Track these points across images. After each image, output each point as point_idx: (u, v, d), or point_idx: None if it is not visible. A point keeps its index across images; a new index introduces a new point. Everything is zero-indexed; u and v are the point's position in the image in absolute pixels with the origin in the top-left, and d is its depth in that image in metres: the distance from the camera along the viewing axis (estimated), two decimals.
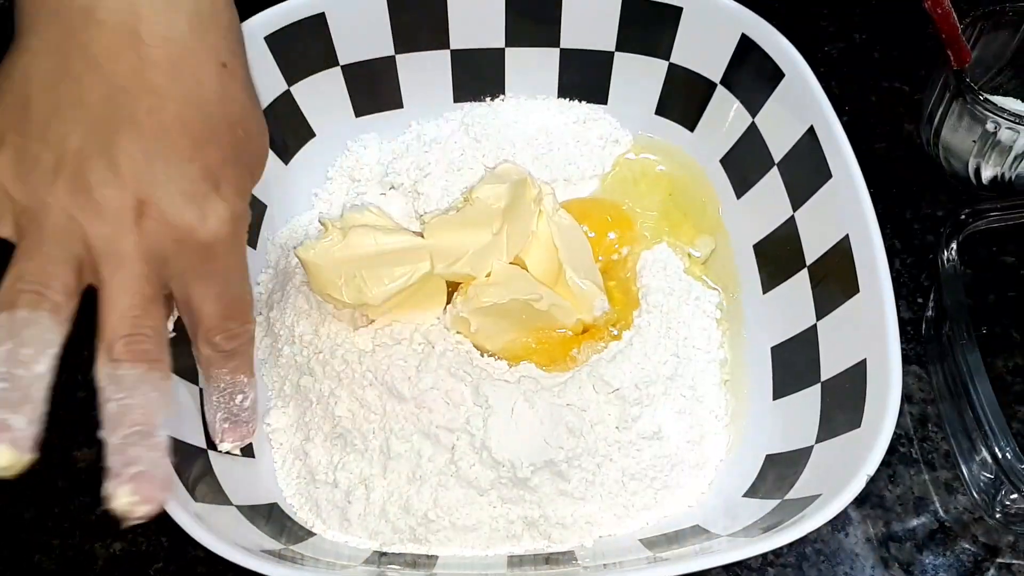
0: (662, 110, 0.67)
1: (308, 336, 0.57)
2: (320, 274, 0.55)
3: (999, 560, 0.55)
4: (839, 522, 0.56)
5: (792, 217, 0.58)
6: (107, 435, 0.43)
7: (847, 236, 0.53)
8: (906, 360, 0.61)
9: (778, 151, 0.59)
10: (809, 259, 0.56)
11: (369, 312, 0.56)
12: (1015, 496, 0.53)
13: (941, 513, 0.57)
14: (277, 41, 0.60)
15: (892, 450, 0.58)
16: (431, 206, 0.63)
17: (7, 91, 0.44)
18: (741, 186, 0.63)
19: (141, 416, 0.43)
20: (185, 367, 0.53)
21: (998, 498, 0.54)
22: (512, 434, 0.52)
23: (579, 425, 0.52)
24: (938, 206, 0.68)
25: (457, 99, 0.68)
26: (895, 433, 0.58)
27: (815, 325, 0.55)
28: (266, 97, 0.62)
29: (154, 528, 0.56)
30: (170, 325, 0.51)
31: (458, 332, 0.56)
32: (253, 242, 0.62)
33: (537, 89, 0.68)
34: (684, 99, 0.65)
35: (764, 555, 0.55)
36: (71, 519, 0.57)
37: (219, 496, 0.50)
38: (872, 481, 0.56)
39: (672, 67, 0.64)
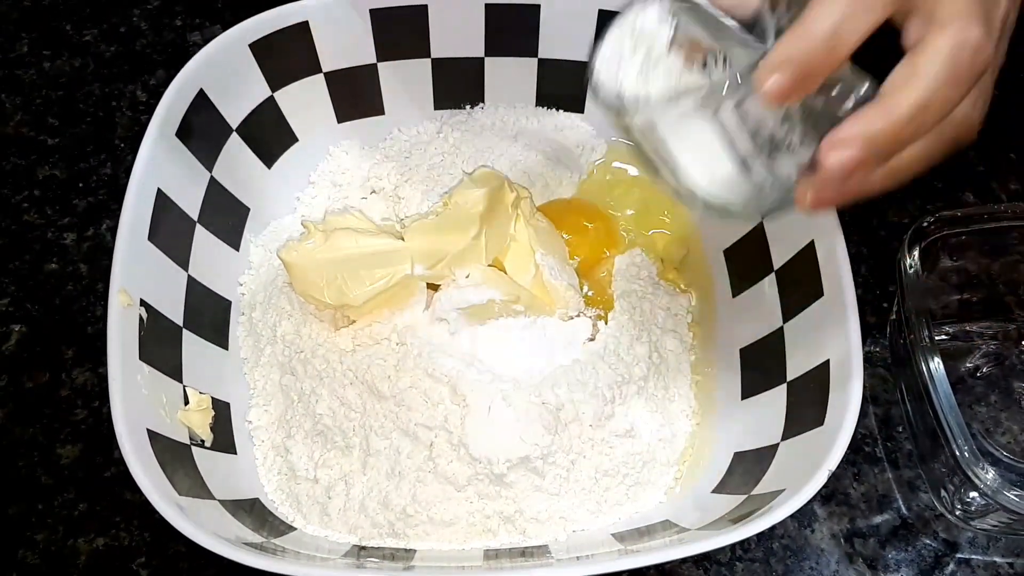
0: None
1: (290, 336, 0.58)
2: (302, 275, 0.56)
3: (959, 555, 0.57)
4: (805, 519, 0.58)
5: (760, 223, 0.59)
6: None
7: (812, 242, 0.54)
8: (871, 363, 0.63)
9: None
10: (776, 264, 0.58)
11: (350, 313, 0.58)
12: (973, 494, 0.54)
13: (904, 510, 0.59)
14: (261, 48, 0.61)
15: (857, 449, 0.60)
16: (411, 210, 0.65)
17: None
18: None
19: None
20: (171, 367, 0.54)
21: (958, 496, 0.56)
22: (489, 432, 0.53)
23: (554, 423, 0.54)
24: (904, 214, 0.70)
25: (437, 106, 0.69)
26: (860, 433, 0.61)
27: (782, 328, 0.56)
28: (250, 103, 0.63)
29: (137, 523, 0.57)
30: (142, 313, 0.52)
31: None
32: (236, 244, 0.63)
33: (515, 98, 0.69)
34: None
35: (733, 550, 0.57)
36: (55, 515, 0.57)
37: (202, 490, 0.51)
38: (837, 479, 0.59)
39: None
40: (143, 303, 0.53)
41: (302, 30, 0.62)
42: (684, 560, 0.56)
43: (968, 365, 0.63)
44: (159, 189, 0.56)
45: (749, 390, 0.58)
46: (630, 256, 0.64)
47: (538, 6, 0.64)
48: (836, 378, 0.50)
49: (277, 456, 0.56)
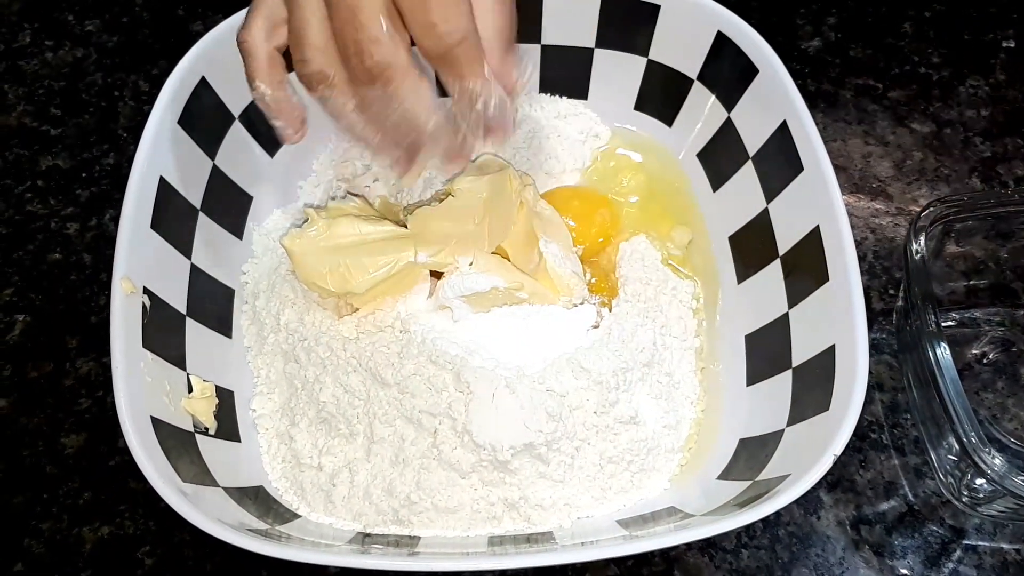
0: (641, 105, 0.68)
1: (293, 324, 0.58)
2: (305, 263, 0.56)
3: (965, 542, 0.57)
4: (811, 505, 0.58)
5: (766, 209, 0.59)
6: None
7: (817, 227, 0.54)
8: (878, 350, 0.63)
9: (752, 145, 0.61)
10: (782, 249, 0.58)
11: (353, 300, 0.57)
12: (980, 481, 0.54)
13: (910, 497, 0.58)
14: None
15: (863, 436, 0.60)
16: (414, 198, 0.64)
17: None
18: (717, 179, 0.64)
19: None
20: (174, 355, 0.54)
21: (964, 482, 0.55)
22: (493, 418, 0.53)
23: (558, 410, 0.53)
24: (910, 200, 0.70)
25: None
26: (866, 420, 0.60)
27: (787, 313, 0.56)
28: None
29: (142, 512, 0.57)
30: (146, 301, 0.52)
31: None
32: (239, 232, 0.63)
33: None
34: (662, 94, 0.67)
35: (739, 537, 0.57)
36: (59, 504, 0.58)
37: (206, 478, 0.51)
38: (843, 466, 0.59)
39: (650, 63, 0.66)
40: (146, 291, 0.53)
41: None
42: (689, 547, 0.56)
43: (975, 351, 0.63)
44: (161, 177, 0.56)
45: (754, 376, 0.58)
46: (634, 243, 0.63)
47: None
48: (841, 364, 0.50)
49: (281, 444, 0.56)
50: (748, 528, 0.57)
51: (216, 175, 0.61)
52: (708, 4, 0.62)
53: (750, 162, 0.61)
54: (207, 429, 0.54)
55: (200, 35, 0.60)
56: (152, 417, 0.49)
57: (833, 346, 0.51)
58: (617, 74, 0.67)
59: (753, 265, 0.60)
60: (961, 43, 0.78)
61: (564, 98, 0.69)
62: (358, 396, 0.55)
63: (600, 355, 0.56)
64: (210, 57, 0.59)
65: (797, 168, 0.56)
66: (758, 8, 0.77)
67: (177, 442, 0.50)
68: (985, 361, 0.63)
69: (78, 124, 0.74)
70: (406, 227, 0.57)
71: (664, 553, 0.56)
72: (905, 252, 0.57)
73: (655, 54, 0.65)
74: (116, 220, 0.53)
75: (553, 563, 0.47)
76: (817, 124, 0.56)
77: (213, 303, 0.59)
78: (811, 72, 0.76)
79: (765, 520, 0.46)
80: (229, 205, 0.62)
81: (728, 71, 0.62)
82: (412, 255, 0.56)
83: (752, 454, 0.53)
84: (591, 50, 0.66)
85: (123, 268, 0.52)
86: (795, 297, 0.56)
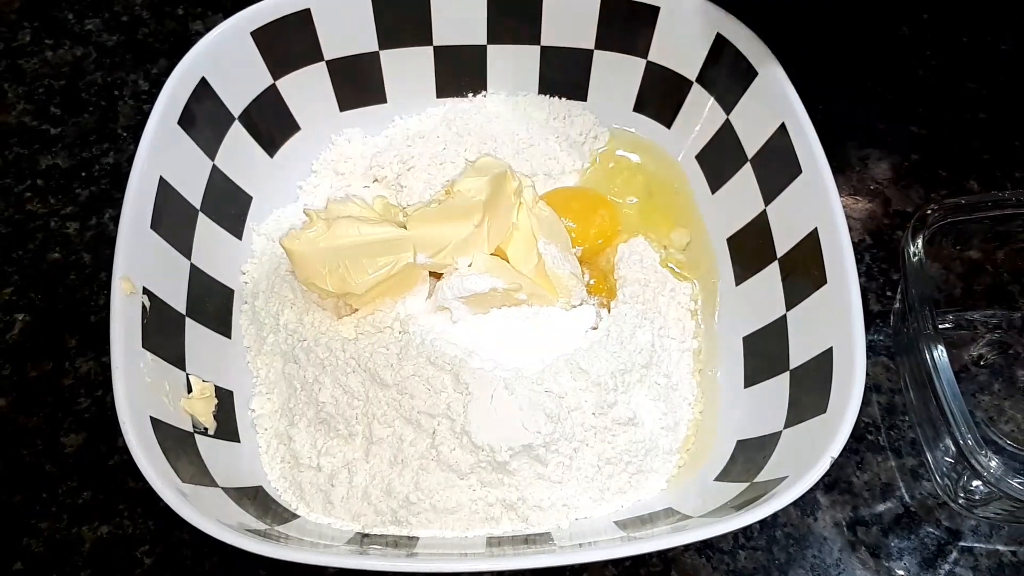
0: (640, 107, 0.68)
1: (293, 324, 0.58)
2: (305, 264, 0.56)
3: (961, 543, 0.57)
4: (808, 507, 0.58)
5: (764, 211, 0.59)
6: None
7: (815, 229, 0.54)
8: (875, 352, 0.63)
9: (751, 147, 0.61)
10: (780, 252, 0.58)
11: (352, 301, 0.58)
12: (976, 483, 0.54)
13: (907, 498, 0.58)
14: (263, 36, 0.61)
15: (860, 438, 0.60)
16: (414, 199, 0.65)
17: None
18: (715, 181, 0.64)
19: None
20: (174, 355, 0.54)
21: (960, 483, 0.56)
22: (492, 419, 0.53)
23: (557, 411, 0.54)
24: (908, 202, 0.70)
25: (440, 94, 0.69)
26: (863, 421, 0.61)
27: (785, 315, 0.56)
28: (252, 91, 0.63)
29: (141, 511, 0.57)
30: (145, 301, 0.52)
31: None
32: (238, 233, 0.63)
33: (518, 85, 0.69)
34: (661, 96, 0.67)
35: (735, 538, 0.57)
36: (59, 503, 0.58)
37: (205, 478, 0.51)
38: (840, 468, 0.59)
39: (649, 65, 0.66)
40: (146, 291, 0.53)
41: (304, 18, 0.62)
42: (687, 548, 0.56)
43: (972, 353, 0.63)
44: (161, 178, 0.56)
45: (752, 378, 0.58)
46: (633, 244, 0.64)
47: None
48: (839, 366, 0.50)
49: (280, 444, 0.57)
50: (745, 529, 0.57)
51: (216, 175, 0.61)
52: (708, 6, 0.62)
53: (748, 164, 0.61)
54: (206, 429, 0.54)
55: (200, 35, 0.60)
56: (151, 417, 0.49)
57: (831, 348, 0.51)
58: (616, 76, 0.67)
59: (751, 267, 0.60)
60: (959, 46, 0.78)
61: (563, 99, 0.70)
62: (357, 397, 0.55)
63: (598, 356, 0.56)
64: (210, 57, 0.60)
65: (795, 170, 0.57)
66: (757, 10, 0.77)
67: (176, 442, 0.51)
68: (982, 363, 0.63)
69: (78, 123, 0.74)
70: (405, 228, 0.57)
71: (662, 554, 0.56)
72: (902, 254, 0.57)
73: (654, 56, 0.65)
74: (116, 220, 0.53)
75: (551, 564, 0.47)
76: (815, 126, 0.57)
77: (213, 303, 0.59)
78: (811, 74, 0.76)
79: (762, 521, 0.46)
80: (229, 205, 0.62)
81: (727, 73, 0.62)
82: (411, 256, 0.56)
83: (749, 456, 0.53)
84: (590, 52, 0.66)
85: (122, 268, 0.52)
86: (793, 299, 0.56)
